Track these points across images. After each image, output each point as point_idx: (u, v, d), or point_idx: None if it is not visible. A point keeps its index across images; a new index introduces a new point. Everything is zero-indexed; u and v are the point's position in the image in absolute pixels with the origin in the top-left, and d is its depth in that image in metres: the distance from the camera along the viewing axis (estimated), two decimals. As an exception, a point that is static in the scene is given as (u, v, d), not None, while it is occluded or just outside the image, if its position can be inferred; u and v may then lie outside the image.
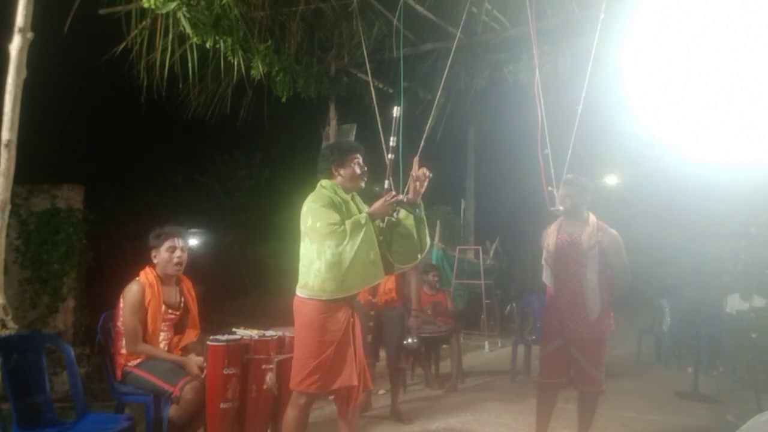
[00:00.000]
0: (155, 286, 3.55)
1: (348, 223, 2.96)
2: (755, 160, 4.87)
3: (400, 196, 3.10)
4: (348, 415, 3.11)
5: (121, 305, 3.53)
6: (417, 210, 3.12)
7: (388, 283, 4.92)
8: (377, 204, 3.07)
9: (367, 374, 3.21)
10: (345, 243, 2.90)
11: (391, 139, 3.22)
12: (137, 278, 3.59)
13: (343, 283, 2.93)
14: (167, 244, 3.60)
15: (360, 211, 3.16)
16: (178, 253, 3.61)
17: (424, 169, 3.16)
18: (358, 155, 3.22)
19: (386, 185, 3.15)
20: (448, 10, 6.01)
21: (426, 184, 3.16)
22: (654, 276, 10.76)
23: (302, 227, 3.06)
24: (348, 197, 3.18)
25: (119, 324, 3.52)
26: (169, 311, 3.64)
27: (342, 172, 3.17)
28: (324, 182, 3.18)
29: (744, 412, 4.14)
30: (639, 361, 7.86)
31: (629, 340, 8.10)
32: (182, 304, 3.73)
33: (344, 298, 3.00)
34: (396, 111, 3.23)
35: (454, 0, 5.78)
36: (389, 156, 3.21)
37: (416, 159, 3.20)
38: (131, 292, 3.52)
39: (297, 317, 3.07)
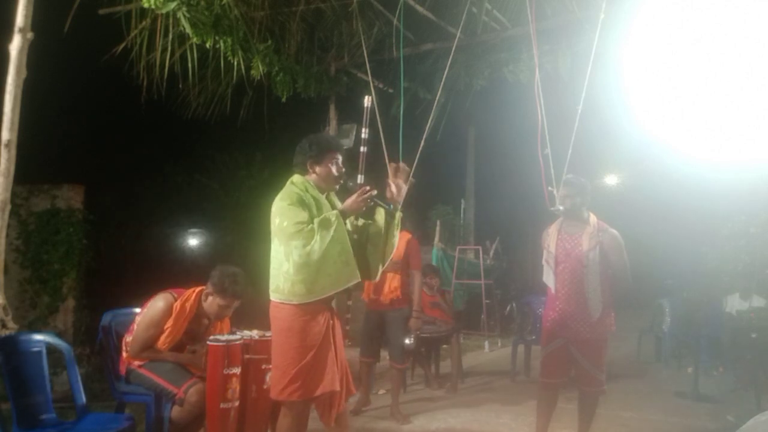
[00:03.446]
0: (182, 317, 3.42)
1: (316, 221, 2.77)
2: (755, 160, 4.87)
3: (375, 191, 2.91)
4: (331, 422, 2.95)
5: (146, 307, 3.47)
6: (391, 205, 2.92)
7: (393, 282, 4.79)
8: (350, 200, 2.90)
9: (350, 378, 3.06)
10: (312, 243, 2.72)
11: (363, 130, 3.04)
12: (173, 293, 3.48)
13: (313, 285, 2.76)
14: (225, 301, 3.48)
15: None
16: (228, 312, 3.54)
17: (403, 164, 2.94)
18: (338, 155, 3.01)
19: (359, 180, 2.97)
20: (448, 10, 6.02)
21: (406, 182, 2.94)
22: (654, 276, 10.76)
23: (272, 227, 2.90)
24: (321, 195, 2.98)
25: (136, 321, 3.49)
26: (190, 341, 3.52)
27: (318, 169, 2.98)
28: (295, 178, 3.01)
29: (744, 412, 4.14)
30: (639, 361, 7.86)
31: (629, 340, 8.11)
32: (206, 334, 3.57)
33: (321, 300, 2.84)
34: (367, 101, 3.04)
35: (454, 0, 5.79)
36: (362, 149, 3.01)
37: (391, 164, 2.98)
38: (156, 306, 3.43)
39: (273, 323, 2.91)
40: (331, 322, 2.94)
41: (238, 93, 6.25)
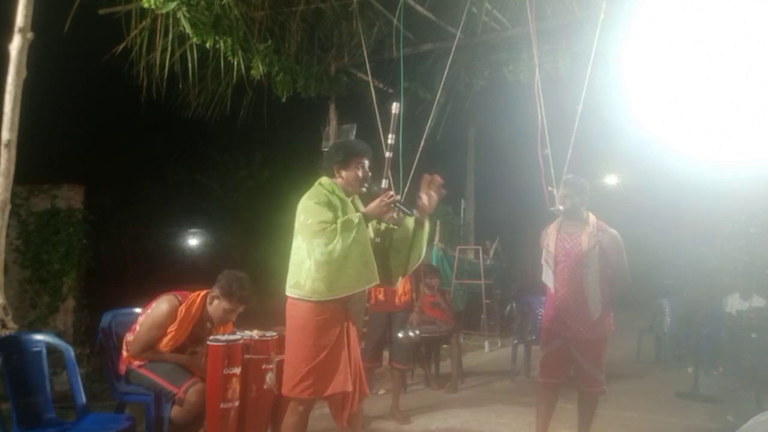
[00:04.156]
0: (186, 321, 3.41)
1: (339, 222, 2.84)
2: (755, 160, 4.87)
3: (398, 197, 2.98)
4: (343, 423, 3.01)
5: (150, 308, 3.46)
6: (413, 210, 3.00)
7: (406, 285, 4.88)
8: (373, 204, 2.96)
9: (364, 380, 3.10)
10: (335, 242, 2.78)
11: (390, 136, 3.11)
12: (179, 298, 3.46)
13: (333, 284, 2.81)
14: (231, 305, 3.45)
15: None
16: (232, 317, 3.51)
17: (437, 176, 3.04)
18: (365, 159, 3.08)
19: (384, 184, 3.04)
20: (448, 10, 6.01)
21: (438, 193, 3.03)
22: (654, 276, 10.76)
23: (296, 224, 2.96)
24: (347, 199, 3.06)
25: (139, 321, 3.48)
26: (192, 344, 3.51)
27: (344, 174, 3.05)
28: (323, 180, 3.08)
29: (744, 412, 4.14)
30: (639, 361, 7.86)
31: (629, 340, 8.10)
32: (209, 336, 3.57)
33: (338, 300, 2.89)
34: (395, 108, 3.13)
35: (454, 0, 5.79)
36: (387, 154, 3.10)
37: (425, 175, 3.06)
38: (160, 308, 3.41)
39: (289, 320, 2.96)
40: (346, 323, 3.00)
41: (238, 93, 6.25)
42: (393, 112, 3.11)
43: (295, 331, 2.94)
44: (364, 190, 3.11)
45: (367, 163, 3.10)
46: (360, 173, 3.06)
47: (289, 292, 2.94)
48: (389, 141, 3.10)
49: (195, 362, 3.45)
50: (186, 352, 3.53)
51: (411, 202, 3.09)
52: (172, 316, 3.39)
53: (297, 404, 2.95)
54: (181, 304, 3.44)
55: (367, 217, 2.92)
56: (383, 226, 3.12)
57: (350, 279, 2.84)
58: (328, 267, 2.80)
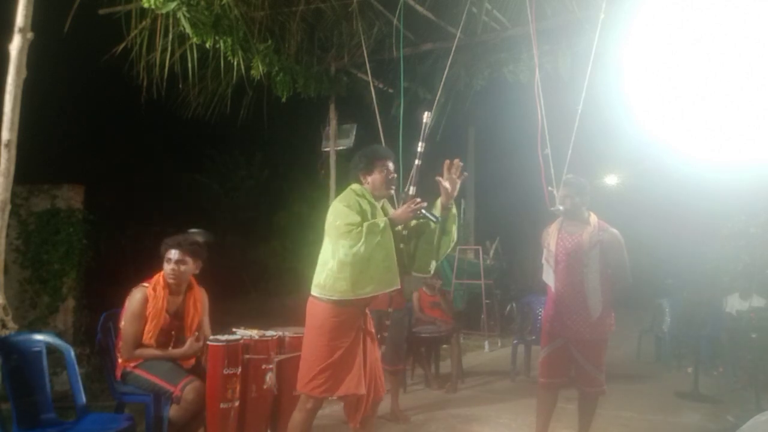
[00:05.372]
0: (161, 296, 3.51)
1: (365, 225, 2.91)
2: (755, 160, 4.87)
3: (425, 203, 3.02)
4: (356, 423, 3.06)
5: (125, 308, 3.51)
6: (438, 218, 3.04)
7: None
8: (400, 210, 3.04)
9: (381, 384, 3.14)
10: (359, 244, 2.86)
11: (419, 144, 3.17)
12: (144, 284, 3.55)
13: (355, 284, 2.89)
14: (166, 255, 3.59)
15: None
16: (171, 266, 3.55)
17: (457, 160, 3.07)
18: (387, 162, 3.17)
19: (411, 191, 3.10)
20: (448, 10, 6.01)
21: (460, 177, 3.05)
22: (654, 276, 10.75)
23: (326, 225, 3.06)
24: (377, 203, 3.15)
25: (121, 324, 3.52)
26: (174, 322, 3.58)
27: (369, 179, 3.16)
28: (354, 185, 3.18)
29: (744, 412, 4.15)
30: (639, 361, 7.86)
31: (629, 340, 8.10)
32: (183, 314, 3.63)
33: (357, 303, 2.97)
34: (426, 117, 3.20)
35: (454, 0, 5.78)
36: (416, 162, 3.15)
37: (446, 161, 3.09)
38: (134, 299, 3.49)
39: (308, 319, 3.06)
40: (364, 327, 3.07)
41: (238, 93, 6.25)
42: (424, 120, 3.17)
43: (311, 329, 3.03)
44: (392, 191, 3.19)
45: (390, 164, 3.19)
46: (384, 175, 3.15)
47: (313, 291, 3.04)
48: (418, 149, 3.15)
49: (186, 352, 3.47)
50: (178, 345, 3.56)
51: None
52: (145, 301, 3.48)
53: (307, 401, 3.01)
54: (148, 284, 3.54)
55: (393, 223, 2.98)
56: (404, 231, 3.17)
57: (372, 281, 2.91)
58: (351, 268, 2.88)
